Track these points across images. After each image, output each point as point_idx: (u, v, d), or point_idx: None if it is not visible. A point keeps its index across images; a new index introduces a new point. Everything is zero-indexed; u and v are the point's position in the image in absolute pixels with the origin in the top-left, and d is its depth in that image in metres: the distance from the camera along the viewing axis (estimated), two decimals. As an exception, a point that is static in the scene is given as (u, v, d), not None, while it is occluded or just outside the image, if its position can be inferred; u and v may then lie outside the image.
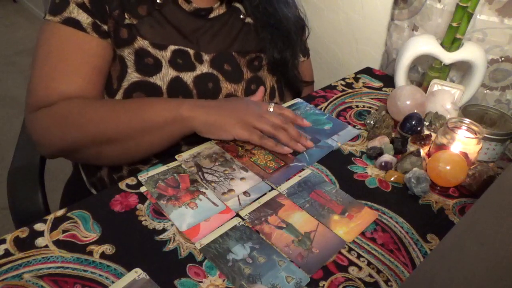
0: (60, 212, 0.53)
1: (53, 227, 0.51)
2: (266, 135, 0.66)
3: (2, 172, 1.47)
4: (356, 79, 0.98)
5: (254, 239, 0.52)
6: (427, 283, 0.34)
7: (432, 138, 0.70)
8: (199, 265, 0.49)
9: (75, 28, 0.64)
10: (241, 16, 0.78)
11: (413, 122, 0.71)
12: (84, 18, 0.64)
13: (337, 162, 0.68)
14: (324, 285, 0.48)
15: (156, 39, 0.69)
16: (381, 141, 0.70)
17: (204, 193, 0.58)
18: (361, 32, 1.11)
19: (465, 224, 0.41)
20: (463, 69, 0.91)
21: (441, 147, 0.66)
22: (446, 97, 0.78)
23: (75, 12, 0.64)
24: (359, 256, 0.52)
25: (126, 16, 0.67)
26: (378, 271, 0.50)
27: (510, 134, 0.69)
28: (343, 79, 0.97)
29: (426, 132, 0.74)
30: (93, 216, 0.54)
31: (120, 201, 0.56)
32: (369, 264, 0.51)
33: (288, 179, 0.63)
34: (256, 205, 0.57)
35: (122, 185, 0.59)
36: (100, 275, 0.46)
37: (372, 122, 0.76)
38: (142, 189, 0.58)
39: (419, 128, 0.71)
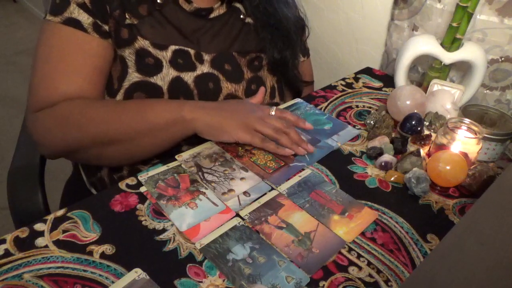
0: (60, 212, 0.54)
1: (53, 227, 0.51)
2: (268, 138, 0.66)
3: (2, 172, 1.47)
4: (356, 79, 0.98)
5: (254, 239, 0.52)
6: (427, 283, 0.34)
7: (432, 138, 0.70)
8: (199, 265, 0.49)
9: (76, 28, 0.64)
10: (241, 16, 0.78)
11: (413, 122, 0.71)
12: (85, 18, 0.64)
13: (337, 162, 0.68)
14: (324, 285, 0.48)
15: (156, 39, 0.69)
16: (381, 141, 0.70)
17: (204, 193, 0.58)
18: (361, 32, 1.11)
19: (465, 224, 0.41)
20: (463, 69, 0.91)
21: (441, 147, 0.66)
22: (446, 97, 0.78)
23: (75, 12, 0.64)
24: (359, 256, 0.52)
25: (126, 16, 0.67)
26: (378, 271, 0.50)
27: (510, 134, 0.69)
28: (343, 79, 0.97)
29: (426, 132, 0.74)
30: (93, 216, 0.54)
31: (120, 201, 0.56)
32: (369, 264, 0.51)
33: (288, 179, 0.63)
34: (256, 205, 0.57)
35: (122, 185, 0.59)
36: (100, 275, 0.46)
37: (372, 122, 0.76)
38: (142, 189, 0.58)
39: (419, 128, 0.71)
